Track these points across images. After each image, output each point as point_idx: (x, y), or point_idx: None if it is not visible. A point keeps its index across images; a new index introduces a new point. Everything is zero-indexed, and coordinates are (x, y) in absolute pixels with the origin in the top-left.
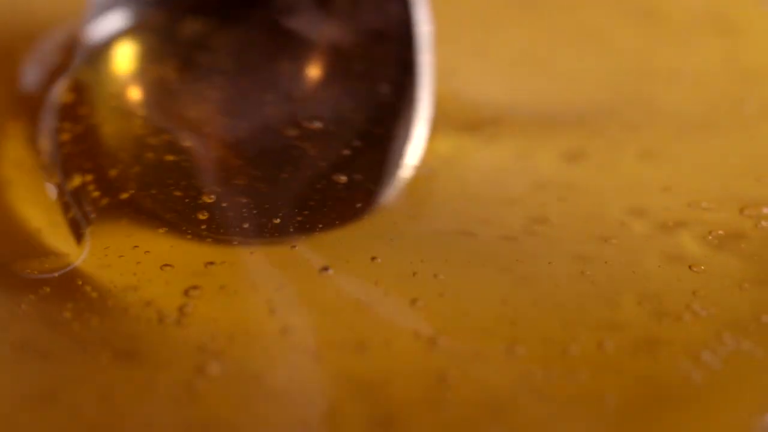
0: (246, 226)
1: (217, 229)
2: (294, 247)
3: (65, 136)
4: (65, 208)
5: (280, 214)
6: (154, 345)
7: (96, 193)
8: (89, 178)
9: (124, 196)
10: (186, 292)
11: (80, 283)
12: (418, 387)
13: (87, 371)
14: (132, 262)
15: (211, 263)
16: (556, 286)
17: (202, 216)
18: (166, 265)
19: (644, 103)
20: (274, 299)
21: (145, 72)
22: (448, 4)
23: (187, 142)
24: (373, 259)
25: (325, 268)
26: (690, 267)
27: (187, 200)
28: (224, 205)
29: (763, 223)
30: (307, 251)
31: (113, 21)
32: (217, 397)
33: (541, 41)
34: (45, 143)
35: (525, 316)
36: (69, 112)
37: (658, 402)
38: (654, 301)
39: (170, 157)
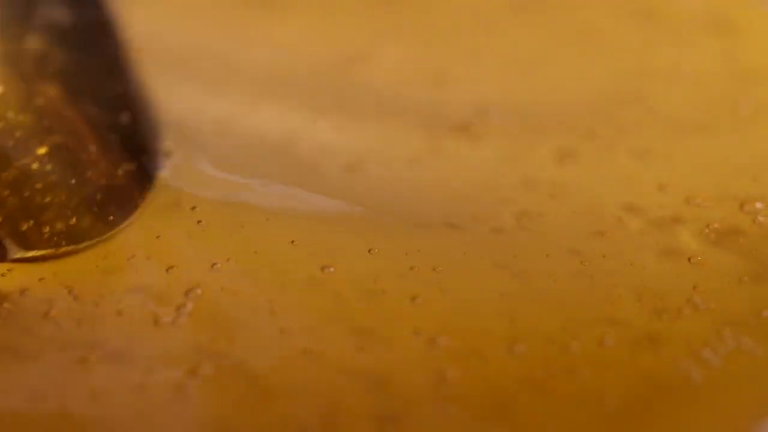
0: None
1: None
2: (293, 242)
3: None
4: None
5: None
6: (148, 346)
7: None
8: None
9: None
10: (186, 293)
11: (70, 284)
12: (418, 386)
13: (74, 372)
14: (131, 266)
15: (215, 264)
16: (555, 281)
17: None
18: (171, 267)
19: (641, 103)
20: (275, 299)
21: None
22: (444, 4)
23: None
24: (369, 251)
25: (326, 267)
26: (689, 260)
27: None
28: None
29: (761, 218)
30: (305, 245)
31: None
32: (212, 397)
33: (538, 41)
34: None
35: (524, 313)
36: None
37: (658, 400)
38: (654, 297)
39: None
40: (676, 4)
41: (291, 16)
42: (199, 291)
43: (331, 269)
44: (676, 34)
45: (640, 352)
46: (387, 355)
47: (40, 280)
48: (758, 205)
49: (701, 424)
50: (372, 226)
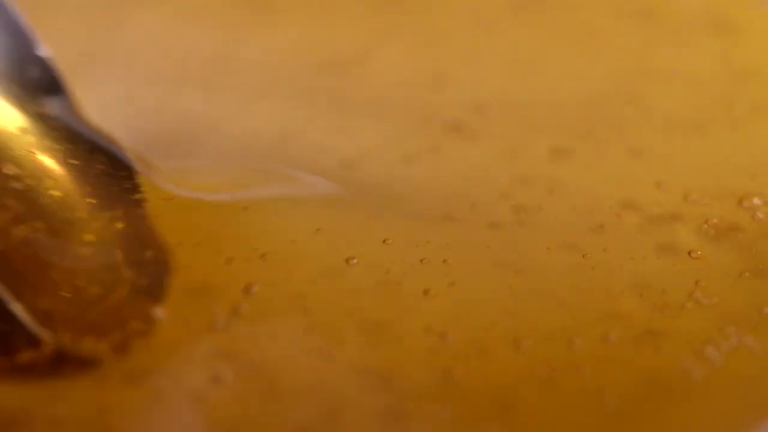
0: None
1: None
2: (318, 230)
3: None
4: None
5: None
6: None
7: None
8: None
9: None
10: (246, 290)
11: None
12: (425, 383)
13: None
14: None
15: (265, 254)
16: (557, 275)
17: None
18: (230, 258)
19: (640, 103)
20: (306, 293)
21: None
22: (444, 4)
23: None
24: (384, 241)
25: (351, 258)
26: (689, 254)
27: None
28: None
29: (759, 214)
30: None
31: None
32: (227, 402)
33: (538, 41)
34: None
35: (529, 308)
36: None
37: (661, 398)
38: (655, 292)
39: None
40: (675, 4)
41: (290, 16)
42: (256, 288)
43: (355, 260)
44: (676, 34)
45: (643, 349)
46: (398, 351)
47: None
48: (756, 201)
49: (703, 422)
50: (375, 217)
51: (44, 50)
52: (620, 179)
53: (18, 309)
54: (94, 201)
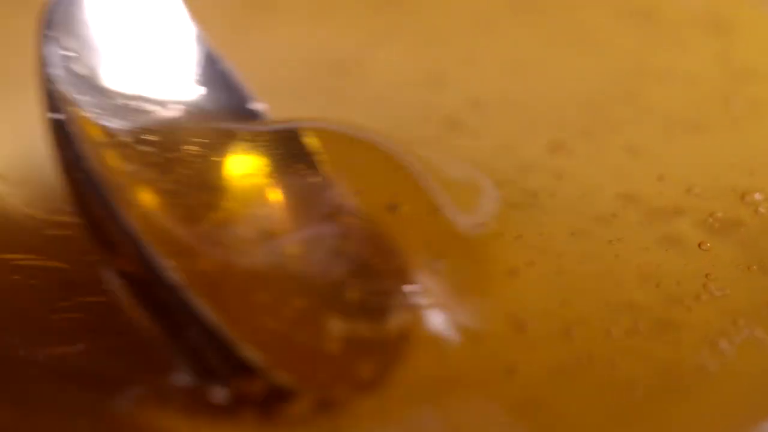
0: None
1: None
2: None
3: None
4: None
5: None
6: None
7: None
8: None
9: None
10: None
11: None
12: (484, 376)
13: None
14: None
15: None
16: (581, 264)
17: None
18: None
19: (638, 103)
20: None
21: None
22: (443, 5)
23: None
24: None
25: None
26: (699, 245)
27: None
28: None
29: (761, 209)
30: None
31: None
32: None
33: (537, 41)
34: None
35: (570, 294)
36: None
37: (677, 388)
38: (671, 283)
39: None
40: (675, 4)
41: (290, 16)
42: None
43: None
44: (675, 34)
45: (662, 340)
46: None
47: None
48: (758, 196)
49: (717, 415)
50: None
51: (257, 105)
52: (619, 175)
53: (245, 347)
54: (303, 210)
